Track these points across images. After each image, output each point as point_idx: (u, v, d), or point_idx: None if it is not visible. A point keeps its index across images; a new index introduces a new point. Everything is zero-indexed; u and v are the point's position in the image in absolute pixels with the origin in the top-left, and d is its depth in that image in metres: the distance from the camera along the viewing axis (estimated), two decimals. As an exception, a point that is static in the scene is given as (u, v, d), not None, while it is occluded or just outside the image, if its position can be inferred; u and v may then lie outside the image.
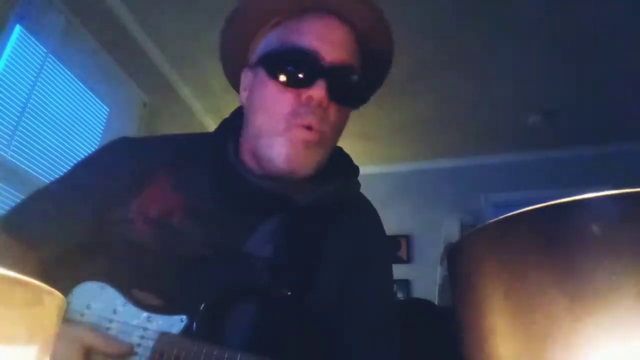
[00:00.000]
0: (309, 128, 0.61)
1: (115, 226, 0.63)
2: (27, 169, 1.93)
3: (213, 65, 2.86)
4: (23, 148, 1.92)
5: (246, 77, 0.69)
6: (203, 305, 0.57)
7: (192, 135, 0.77)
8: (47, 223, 0.63)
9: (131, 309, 0.58)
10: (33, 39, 1.97)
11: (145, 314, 0.57)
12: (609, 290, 0.20)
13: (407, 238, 3.62)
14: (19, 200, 0.68)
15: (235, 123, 0.71)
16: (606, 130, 3.28)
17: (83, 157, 0.72)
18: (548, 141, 3.44)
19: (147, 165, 0.67)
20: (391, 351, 0.66)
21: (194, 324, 0.56)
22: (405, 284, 3.43)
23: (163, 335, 0.55)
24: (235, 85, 0.73)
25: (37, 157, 1.99)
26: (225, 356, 0.50)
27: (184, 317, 0.56)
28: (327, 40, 0.63)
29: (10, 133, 1.86)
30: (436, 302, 2.89)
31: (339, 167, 0.73)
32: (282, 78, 0.62)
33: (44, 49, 2.03)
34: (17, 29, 1.89)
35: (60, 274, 0.60)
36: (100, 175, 0.67)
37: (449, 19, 2.44)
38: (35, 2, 1.93)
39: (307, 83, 0.61)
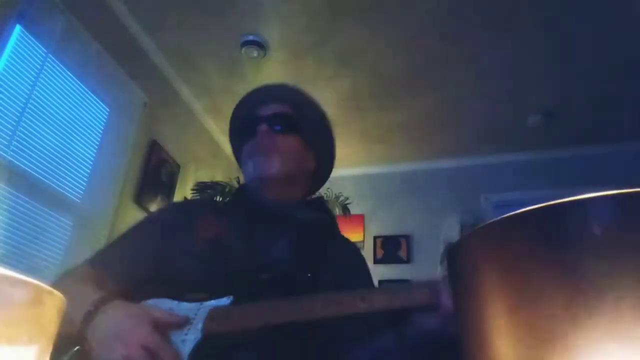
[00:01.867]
0: (261, 149, 0.95)
1: (177, 247, 0.84)
2: (27, 169, 1.93)
3: (213, 65, 2.86)
4: (23, 148, 1.92)
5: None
6: (245, 286, 0.75)
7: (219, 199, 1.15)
8: (121, 263, 0.83)
9: (185, 304, 0.73)
10: (33, 39, 1.97)
11: (196, 304, 0.73)
12: (608, 290, 0.20)
13: (407, 238, 3.62)
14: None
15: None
16: (606, 130, 3.28)
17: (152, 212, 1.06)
18: (548, 141, 3.44)
19: (197, 211, 0.94)
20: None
21: (238, 300, 0.72)
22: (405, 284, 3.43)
23: (213, 309, 0.71)
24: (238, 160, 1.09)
25: (37, 157, 1.99)
26: (267, 304, 0.68)
27: (230, 297, 0.73)
28: (263, 109, 1.01)
29: (10, 133, 1.87)
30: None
31: (324, 210, 1.05)
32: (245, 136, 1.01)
33: (44, 49, 2.03)
34: (17, 29, 1.89)
35: (126, 298, 0.76)
36: (162, 221, 0.93)
37: (449, 19, 2.44)
38: (35, 2, 1.93)
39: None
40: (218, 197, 2.96)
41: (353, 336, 0.80)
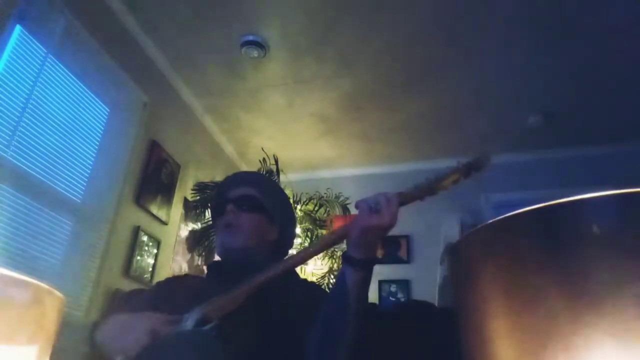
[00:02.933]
0: (227, 226, 1.14)
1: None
2: (27, 169, 1.93)
3: (213, 65, 2.86)
4: (23, 148, 1.92)
5: None
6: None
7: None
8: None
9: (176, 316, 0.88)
10: (33, 39, 1.97)
11: (185, 314, 0.87)
12: (608, 290, 0.20)
13: (407, 238, 3.62)
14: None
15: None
16: (606, 130, 3.28)
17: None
18: (548, 141, 3.44)
19: (174, 284, 1.12)
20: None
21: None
22: (405, 284, 3.43)
23: (201, 305, 0.86)
24: None
25: (37, 157, 1.99)
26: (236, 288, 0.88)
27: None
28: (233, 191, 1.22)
29: (10, 133, 1.86)
30: (436, 303, 2.89)
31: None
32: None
33: (44, 49, 2.03)
34: (17, 29, 1.89)
35: None
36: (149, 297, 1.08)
37: (449, 19, 2.44)
38: (35, 2, 1.93)
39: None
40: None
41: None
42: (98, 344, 0.83)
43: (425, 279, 3.27)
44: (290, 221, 1.28)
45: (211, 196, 2.95)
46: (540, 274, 0.22)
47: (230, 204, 1.15)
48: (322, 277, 2.87)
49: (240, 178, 1.26)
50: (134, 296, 1.14)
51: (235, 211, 1.14)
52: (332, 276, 2.85)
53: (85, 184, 2.27)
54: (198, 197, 3.00)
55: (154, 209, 2.73)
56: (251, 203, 1.17)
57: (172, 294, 1.04)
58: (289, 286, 1.06)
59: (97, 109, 2.39)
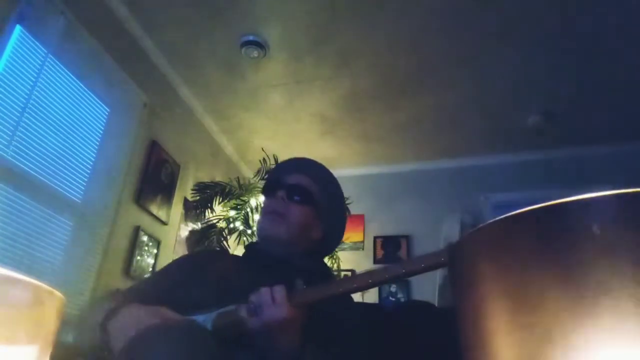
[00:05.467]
0: (272, 212, 1.09)
1: (190, 300, 0.93)
2: (27, 169, 1.93)
3: (213, 65, 2.86)
4: (23, 148, 1.92)
5: None
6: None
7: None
8: (152, 297, 0.92)
9: (196, 315, 0.83)
10: (33, 39, 1.97)
11: (207, 313, 0.83)
12: (608, 290, 0.20)
13: (407, 238, 3.62)
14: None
15: None
16: (606, 130, 3.28)
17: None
18: (548, 141, 3.44)
19: (208, 262, 1.07)
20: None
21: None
22: (405, 284, 3.43)
23: (221, 311, 0.81)
24: None
25: (37, 157, 1.99)
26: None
27: (235, 305, 0.82)
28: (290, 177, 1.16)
29: (10, 133, 1.86)
30: (436, 303, 2.89)
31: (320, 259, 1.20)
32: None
33: (44, 49, 2.03)
34: (17, 29, 1.89)
35: None
36: (180, 270, 1.05)
37: (449, 19, 2.44)
38: (35, 2, 1.93)
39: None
40: (218, 198, 2.96)
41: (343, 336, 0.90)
42: (107, 339, 0.75)
43: (425, 279, 3.26)
44: (339, 222, 1.20)
45: (213, 193, 2.96)
46: (540, 274, 0.22)
47: (282, 190, 1.10)
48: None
49: (298, 164, 1.21)
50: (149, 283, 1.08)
51: (285, 199, 1.09)
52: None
53: (85, 184, 2.27)
54: (198, 197, 3.00)
55: (154, 209, 2.73)
56: (303, 195, 1.11)
57: (202, 271, 1.00)
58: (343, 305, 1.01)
59: (97, 109, 2.39)
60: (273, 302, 0.74)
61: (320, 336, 0.83)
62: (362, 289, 0.76)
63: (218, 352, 0.69)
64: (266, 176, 3.07)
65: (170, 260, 1.16)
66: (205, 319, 0.81)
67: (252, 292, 0.84)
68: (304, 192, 1.12)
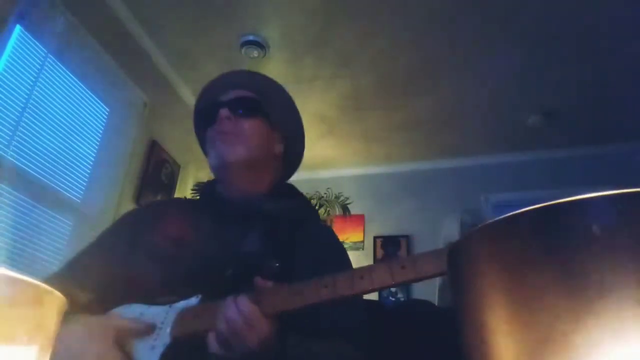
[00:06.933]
0: (222, 133, 0.93)
1: (142, 250, 0.82)
2: (27, 169, 1.93)
3: (213, 65, 2.86)
4: (23, 148, 1.92)
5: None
6: (213, 283, 0.73)
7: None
8: (90, 271, 0.82)
9: (155, 308, 0.71)
10: (33, 39, 1.97)
11: (165, 307, 0.71)
12: (609, 290, 0.20)
13: (407, 238, 3.62)
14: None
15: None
16: (606, 130, 3.28)
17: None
18: (548, 141, 3.44)
19: (163, 211, 0.94)
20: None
21: (206, 298, 0.70)
22: (405, 283, 3.43)
23: (181, 311, 0.69)
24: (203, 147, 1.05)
25: (37, 157, 1.99)
26: (232, 298, 0.63)
27: (198, 296, 0.70)
28: (225, 95, 1.00)
29: (10, 133, 1.86)
30: (436, 302, 2.89)
31: (295, 196, 1.02)
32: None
33: (44, 49, 2.03)
34: (17, 29, 1.89)
35: (98, 306, 0.75)
36: (128, 225, 0.94)
37: (449, 19, 2.44)
38: (35, 2, 1.93)
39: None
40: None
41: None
42: None
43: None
44: (298, 130, 1.04)
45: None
46: (540, 274, 0.22)
47: (223, 108, 0.94)
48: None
49: (231, 79, 1.02)
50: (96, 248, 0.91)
51: (231, 116, 0.93)
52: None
53: (85, 184, 2.27)
54: (198, 197, 2.99)
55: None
56: (249, 106, 0.96)
57: (148, 233, 0.86)
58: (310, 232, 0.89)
59: (97, 109, 2.39)
60: (245, 325, 0.60)
61: (304, 322, 0.70)
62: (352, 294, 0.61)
63: None
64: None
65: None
66: (164, 317, 0.69)
67: (210, 258, 0.75)
68: (249, 102, 0.97)
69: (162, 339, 0.67)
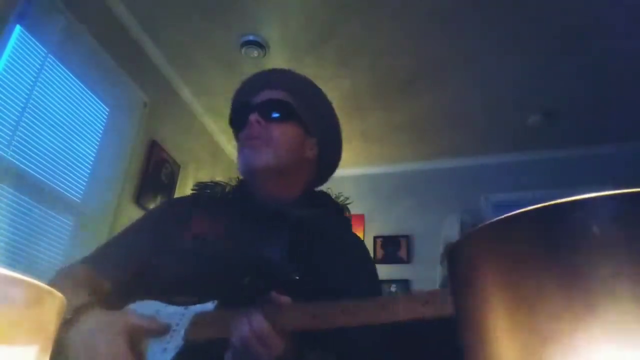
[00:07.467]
0: (251, 138, 0.90)
1: (165, 246, 0.82)
2: (27, 169, 1.93)
3: (213, 65, 2.86)
4: (23, 148, 1.92)
5: None
6: (230, 289, 0.72)
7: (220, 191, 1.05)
8: (115, 263, 0.82)
9: (171, 308, 0.71)
10: (33, 39, 1.97)
11: (181, 308, 0.70)
12: (609, 291, 0.20)
13: (407, 238, 3.62)
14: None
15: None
16: (606, 130, 3.28)
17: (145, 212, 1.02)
18: (548, 141, 3.44)
19: (190, 208, 0.91)
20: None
21: (223, 304, 0.69)
22: (405, 284, 3.43)
23: (197, 315, 0.68)
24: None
25: (37, 157, 1.99)
26: (249, 312, 0.62)
27: (215, 302, 0.69)
28: (257, 96, 0.96)
29: (10, 133, 1.86)
30: (436, 302, 2.88)
31: (326, 204, 0.99)
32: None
33: (44, 49, 2.03)
34: (17, 29, 1.89)
35: (118, 298, 0.76)
36: (155, 219, 0.91)
37: (449, 19, 2.44)
38: (35, 2, 1.93)
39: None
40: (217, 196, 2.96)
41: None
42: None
43: (425, 279, 3.27)
44: (334, 133, 1.00)
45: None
46: (540, 274, 0.22)
47: (253, 112, 0.91)
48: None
49: (264, 79, 0.99)
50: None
51: (261, 121, 0.90)
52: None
53: (85, 184, 2.27)
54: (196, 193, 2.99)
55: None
56: (281, 109, 0.92)
57: (180, 223, 0.84)
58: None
59: (97, 109, 2.39)
60: (259, 344, 0.59)
61: (322, 336, 0.68)
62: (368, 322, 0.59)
63: None
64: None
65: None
66: (180, 319, 0.69)
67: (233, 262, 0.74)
68: (281, 105, 0.92)
69: (175, 341, 0.67)
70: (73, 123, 2.21)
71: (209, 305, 0.70)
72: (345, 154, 3.67)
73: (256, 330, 0.60)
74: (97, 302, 0.69)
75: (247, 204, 0.90)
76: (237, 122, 0.96)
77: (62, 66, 2.14)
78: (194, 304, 0.70)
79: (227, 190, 0.99)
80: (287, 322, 0.62)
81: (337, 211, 1.00)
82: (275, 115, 0.91)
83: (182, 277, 0.77)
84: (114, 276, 0.80)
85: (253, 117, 0.90)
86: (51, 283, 0.76)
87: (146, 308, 0.73)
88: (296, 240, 0.83)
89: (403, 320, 0.57)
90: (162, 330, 0.67)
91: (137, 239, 0.87)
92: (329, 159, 1.01)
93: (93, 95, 2.35)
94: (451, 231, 3.24)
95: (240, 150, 0.91)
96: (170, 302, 0.72)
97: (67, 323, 0.64)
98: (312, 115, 0.96)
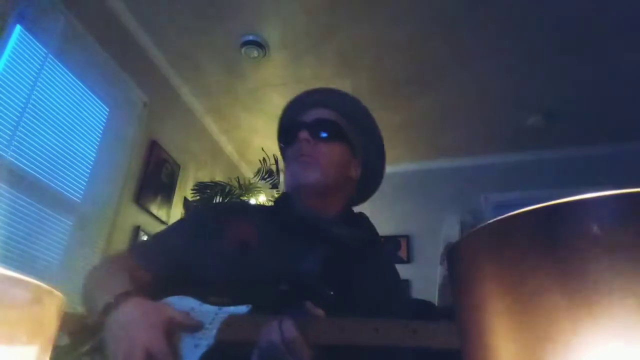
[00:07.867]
0: (300, 155, 0.92)
1: (205, 247, 0.85)
2: (27, 169, 1.93)
3: (213, 65, 2.86)
4: (23, 148, 1.92)
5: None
6: (265, 294, 0.73)
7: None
8: (157, 257, 0.86)
9: (206, 307, 0.74)
10: (33, 39, 1.97)
11: (216, 308, 0.73)
12: (609, 291, 0.20)
13: (407, 238, 3.62)
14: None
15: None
16: (606, 130, 3.28)
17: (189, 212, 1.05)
18: (548, 141, 3.44)
19: (234, 214, 0.94)
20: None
21: (256, 309, 0.71)
22: (405, 284, 3.43)
23: (230, 316, 0.70)
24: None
25: (37, 157, 1.99)
26: (281, 320, 0.63)
27: (249, 306, 0.71)
28: (307, 114, 0.99)
29: (10, 133, 1.87)
30: (436, 302, 2.89)
31: (366, 227, 1.02)
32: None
33: (44, 49, 2.03)
34: (17, 29, 1.89)
35: (156, 291, 0.78)
36: (200, 221, 0.92)
37: (449, 19, 2.44)
38: (35, 2, 1.93)
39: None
40: (218, 198, 2.96)
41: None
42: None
43: (425, 279, 3.27)
44: (377, 155, 1.03)
45: (213, 193, 2.94)
46: (540, 274, 0.22)
47: (303, 130, 0.93)
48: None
49: (316, 97, 1.01)
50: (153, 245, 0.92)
51: (310, 139, 0.92)
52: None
53: (85, 184, 2.28)
54: (198, 197, 3.00)
55: (154, 209, 2.73)
56: (330, 129, 0.94)
57: (219, 231, 0.87)
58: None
59: (97, 109, 2.39)
60: (287, 351, 0.61)
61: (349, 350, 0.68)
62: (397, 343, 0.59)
63: None
64: (272, 171, 3.04)
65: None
66: (213, 318, 0.71)
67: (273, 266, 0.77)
68: (331, 125, 0.95)
69: (207, 339, 0.69)
70: (73, 123, 2.21)
71: (243, 308, 0.72)
72: (345, 154, 3.62)
73: (286, 338, 0.61)
74: (137, 291, 0.71)
75: (289, 217, 0.92)
76: (286, 138, 0.99)
77: (62, 66, 2.14)
78: (228, 305, 0.73)
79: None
80: (318, 334, 0.63)
81: (372, 233, 1.02)
82: (324, 134, 0.94)
83: (220, 279, 0.79)
84: (154, 270, 0.83)
85: (303, 135, 0.93)
86: (95, 268, 0.84)
87: (182, 304, 0.75)
88: (332, 256, 0.85)
89: (435, 348, 0.57)
90: (196, 327, 0.69)
91: (180, 237, 0.90)
92: (372, 180, 1.06)
93: (93, 96, 2.35)
94: (451, 231, 3.24)
95: (288, 165, 0.95)
96: (205, 301, 0.75)
97: (108, 307, 0.67)
98: (359, 136, 0.99)
